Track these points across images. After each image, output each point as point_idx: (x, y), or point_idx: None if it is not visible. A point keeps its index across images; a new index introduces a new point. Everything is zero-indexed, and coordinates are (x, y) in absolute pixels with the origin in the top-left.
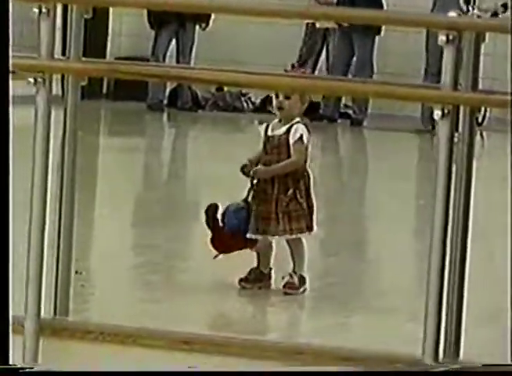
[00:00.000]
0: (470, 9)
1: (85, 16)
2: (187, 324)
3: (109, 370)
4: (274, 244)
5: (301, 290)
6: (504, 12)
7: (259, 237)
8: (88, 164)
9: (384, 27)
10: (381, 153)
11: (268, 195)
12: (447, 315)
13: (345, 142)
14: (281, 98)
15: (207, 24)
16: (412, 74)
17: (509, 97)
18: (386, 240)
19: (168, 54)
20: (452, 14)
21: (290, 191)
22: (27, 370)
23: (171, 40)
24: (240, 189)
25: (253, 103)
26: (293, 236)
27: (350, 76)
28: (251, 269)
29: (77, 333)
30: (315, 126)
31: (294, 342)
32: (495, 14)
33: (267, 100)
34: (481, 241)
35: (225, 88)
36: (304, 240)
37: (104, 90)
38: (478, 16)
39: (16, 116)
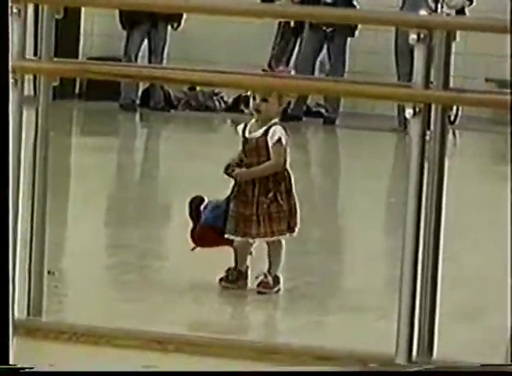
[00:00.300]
0: (440, 7)
1: (56, 16)
2: (162, 324)
3: (110, 367)
4: (251, 243)
5: (275, 289)
6: (470, 5)
7: (238, 239)
8: (61, 164)
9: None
10: (355, 152)
11: (248, 197)
12: (420, 313)
13: (319, 141)
14: (258, 101)
15: (179, 24)
16: (384, 72)
17: (479, 95)
18: (360, 238)
19: (140, 54)
20: (423, 13)
21: (271, 193)
22: (27, 370)
23: (143, 40)
24: (213, 189)
25: (225, 103)
26: (274, 238)
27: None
28: (229, 269)
29: (50, 333)
30: (287, 126)
31: (271, 342)
32: (461, 10)
33: (239, 99)
34: (453, 239)
35: (198, 88)
36: (283, 242)
37: (77, 90)
38: (448, 14)
39: None
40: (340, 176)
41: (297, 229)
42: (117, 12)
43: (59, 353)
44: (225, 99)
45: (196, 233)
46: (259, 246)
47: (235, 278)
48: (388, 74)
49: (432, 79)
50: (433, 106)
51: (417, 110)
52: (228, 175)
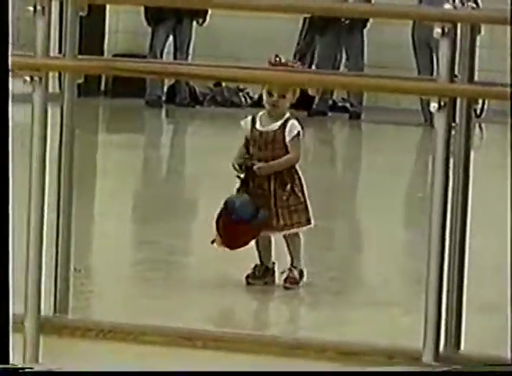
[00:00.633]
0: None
1: (81, 14)
2: (189, 321)
3: (109, 367)
4: (273, 239)
5: (301, 284)
6: None
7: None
8: (88, 161)
9: (372, 21)
10: (380, 147)
11: (265, 191)
12: (447, 307)
13: (345, 135)
14: (276, 97)
15: (204, 20)
16: (398, 66)
17: (506, 88)
18: (385, 233)
19: (166, 50)
20: (447, 6)
21: (288, 186)
22: (27, 370)
23: (168, 36)
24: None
25: (251, 98)
26: (294, 231)
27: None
28: (256, 266)
29: (77, 331)
30: (312, 121)
31: (296, 337)
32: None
33: None
34: (480, 232)
35: (223, 84)
36: (301, 235)
37: (102, 87)
38: (473, 8)
39: (14, 114)
40: (364, 171)
41: (313, 221)
42: (142, 8)
43: (86, 350)
44: (251, 94)
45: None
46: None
47: (261, 274)
48: (403, 67)
49: (457, 73)
50: (458, 100)
51: (442, 103)
52: (240, 169)
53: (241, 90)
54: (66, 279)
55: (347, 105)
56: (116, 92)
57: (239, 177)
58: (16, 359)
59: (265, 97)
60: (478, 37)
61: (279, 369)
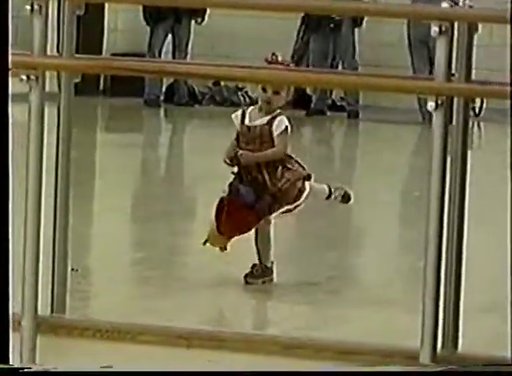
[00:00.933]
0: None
1: (78, 13)
2: (187, 320)
3: (108, 368)
4: (272, 238)
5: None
6: None
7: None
8: (86, 161)
9: (367, 19)
10: (378, 146)
11: (259, 181)
12: (445, 306)
13: (343, 134)
14: (270, 94)
15: (203, 19)
16: (393, 65)
17: (503, 87)
18: (382, 232)
19: (164, 49)
20: (445, 5)
21: (280, 167)
22: (27, 370)
23: (166, 35)
24: None
25: (250, 97)
26: (303, 197)
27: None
28: (254, 265)
29: (74, 330)
30: (311, 120)
31: (295, 337)
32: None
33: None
34: (477, 232)
35: (222, 83)
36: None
37: (101, 86)
38: (470, 7)
39: (11, 113)
40: (362, 169)
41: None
42: (141, 7)
43: (84, 350)
44: (250, 93)
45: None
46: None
47: (260, 274)
48: (398, 66)
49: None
50: (455, 99)
51: (439, 102)
52: (230, 162)
53: (240, 89)
54: (63, 278)
55: (345, 104)
56: (114, 91)
57: (233, 172)
58: (13, 358)
59: (259, 91)
60: (476, 36)
61: (277, 369)
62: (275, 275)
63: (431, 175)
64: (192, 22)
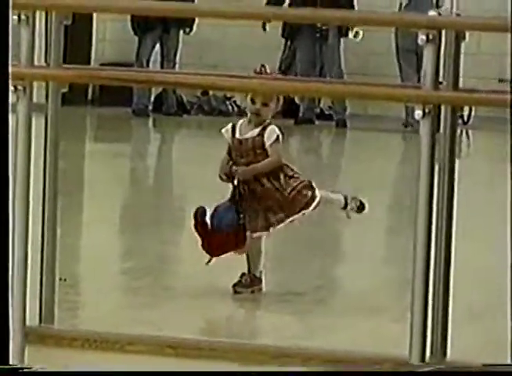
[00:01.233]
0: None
1: (65, 23)
2: (176, 330)
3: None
4: (263, 247)
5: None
6: None
7: (265, 233)
8: (75, 170)
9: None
10: (366, 154)
11: (257, 193)
12: (433, 315)
13: (331, 143)
14: (259, 105)
15: (191, 29)
16: (379, 73)
17: (490, 95)
18: (370, 241)
19: (153, 59)
20: (432, 13)
21: (281, 175)
22: (27, 370)
23: (155, 45)
24: (227, 193)
25: (238, 107)
26: (313, 206)
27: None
28: (243, 274)
29: (63, 340)
30: (299, 129)
31: (283, 346)
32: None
33: None
34: (465, 240)
35: (211, 92)
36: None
37: (89, 96)
38: (458, 15)
39: None
40: (350, 178)
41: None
42: (129, 17)
43: (72, 360)
44: (238, 103)
45: (210, 243)
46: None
47: (248, 283)
48: (383, 74)
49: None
50: (443, 107)
51: (427, 111)
52: (227, 177)
53: (228, 99)
54: (51, 288)
55: (333, 113)
56: (103, 100)
57: (233, 186)
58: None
59: (248, 103)
60: (463, 44)
61: None
62: (263, 284)
63: (419, 183)
64: (181, 32)
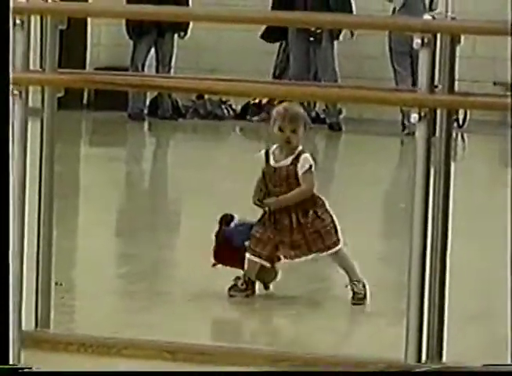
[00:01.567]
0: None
1: (60, 27)
2: (170, 334)
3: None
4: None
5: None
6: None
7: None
8: (70, 174)
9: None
10: (361, 158)
11: (287, 224)
12: (429, 317)
13: (325, 147)
14: (288, 133)
15: (186, 33)
16: (372, 77)
17: (485, 98)
18: (366, 243)
19: (148, 63)
20: (427, 17)
21: (311, 211)
22: (27, 370)
23: (149, 49)
24: (222, 197)
25: (233, 110)
26: (329, 253)
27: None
28: (237, 277)
29: (59, 345)
30: None
31: (280, 349)
32: None
33: (248, 107)
34: (461, 243)
35: (206, 96)
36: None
37: (85, 100)
38: (453, 18)
39: None
40: (345, 182)
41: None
42: (124, 21)
43: (68, 364)
44: (234, 107)
45: (222, 251)
46: None
47: (243, 287)
48: (378, 77)
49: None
50: (438, 111)
51: (422, 114)
52: (260, 203)
53: (224, 102)
54: (47, 293)
55: (327, 116)
56: (98, 105)
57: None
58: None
59: (276, 133)
60: (458, 48)
61: None
62: (257, 287)
63: (415, 186)
64: (176, 36)
